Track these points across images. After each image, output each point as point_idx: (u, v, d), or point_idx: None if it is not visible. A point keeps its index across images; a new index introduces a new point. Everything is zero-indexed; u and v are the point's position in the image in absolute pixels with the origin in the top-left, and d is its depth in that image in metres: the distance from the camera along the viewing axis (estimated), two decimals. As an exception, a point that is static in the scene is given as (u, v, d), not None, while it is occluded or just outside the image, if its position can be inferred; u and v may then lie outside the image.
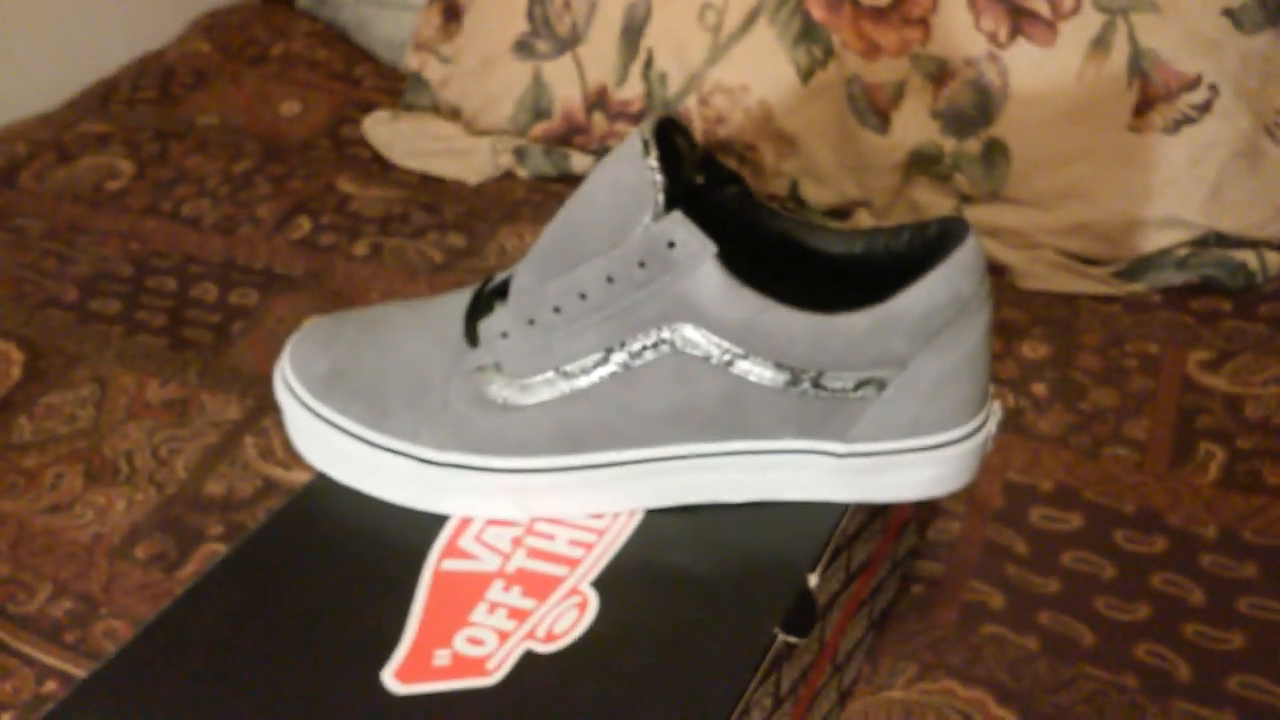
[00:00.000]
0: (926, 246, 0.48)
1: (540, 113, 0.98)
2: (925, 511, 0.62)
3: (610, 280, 0.45)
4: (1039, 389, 0.70)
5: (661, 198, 0.44)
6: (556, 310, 0.46)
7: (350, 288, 0.84)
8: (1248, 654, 0.55)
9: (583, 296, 0.46)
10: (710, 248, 0.44)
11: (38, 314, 0.82)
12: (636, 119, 0.93)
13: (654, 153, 0.44)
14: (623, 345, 0.46)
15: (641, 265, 0.45)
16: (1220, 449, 0.65)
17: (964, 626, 0.57)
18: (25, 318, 0.81)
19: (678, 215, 0.44)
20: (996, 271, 0.80)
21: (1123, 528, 0.61)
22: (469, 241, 0.89)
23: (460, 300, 0.51)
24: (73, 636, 0.58)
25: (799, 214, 0.89)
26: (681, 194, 0.48)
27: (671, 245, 0.44)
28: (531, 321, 0.47)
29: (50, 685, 0.56)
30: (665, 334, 0.45)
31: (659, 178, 0.44)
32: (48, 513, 0.66)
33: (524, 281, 0.47)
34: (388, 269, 0.86)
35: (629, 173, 0.45)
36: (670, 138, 0.47)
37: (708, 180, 0.49)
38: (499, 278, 0.51)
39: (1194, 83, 0.76)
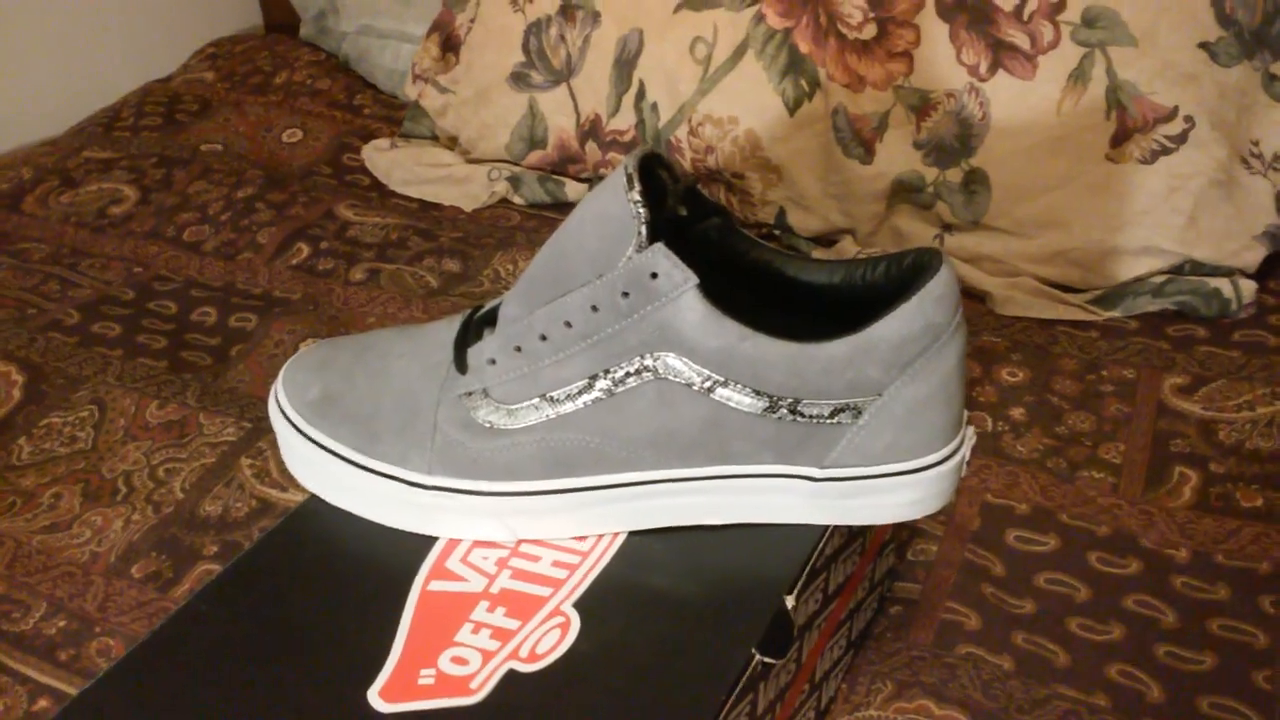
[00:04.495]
0: (902, 276, 0.50)
1: (535, 142, 1.00)
2: (904, 533, 0.63)
3: (595, 309, 0.47)
4: (1017, 413, 0.72)
5: (645, 230, 0.46)
6: (543, 338, 0.48)
7: (347, 312, 0.86)
8: (1219, 675, 0.56)
9: (568, 325, 0.47)
10: (691, 278, 0.46)
11: (39, 336, 0.83)
12: (628, 148, 0.95)
13: (637, 186, 0.46)
14: (607, 372, 0.47)
15: (625, 295, 0.46)
16: (1194, 473, 0.67)
17: (940, 646, 0.58)
18: (27, 340, 0.83)
19: (660, 247, 0.46)
20: (976, 298, 0.82)
21: (1097, 550, 0.63)
22: (464, 267, 0.90)
23: (450, 327, 0.52)
24: (66, 654, 0.60)
25: (780, 245, 0.91)
26: (665, 226, 0.50)
27: (654, 276, 0.46)
28: (518, 349, 0.48)
29: (42, 703, 0.57)
30: (648, 361, 0.47)
31: (642, 210, 0.46)
32: (45, 532, 0.67)
33: (511, 310, 0.49)
34: (384, 293, 0.87)
35: (613, 206, 0.46)
36: (655, 171, 0.49)
37: (691, 212, 0.51)
38: (488, 305, 0.52)
39: (1171, 114, 0.78)
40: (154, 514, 0.68)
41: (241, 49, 1.28)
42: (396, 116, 1.13)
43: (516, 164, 1.01)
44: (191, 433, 0.74)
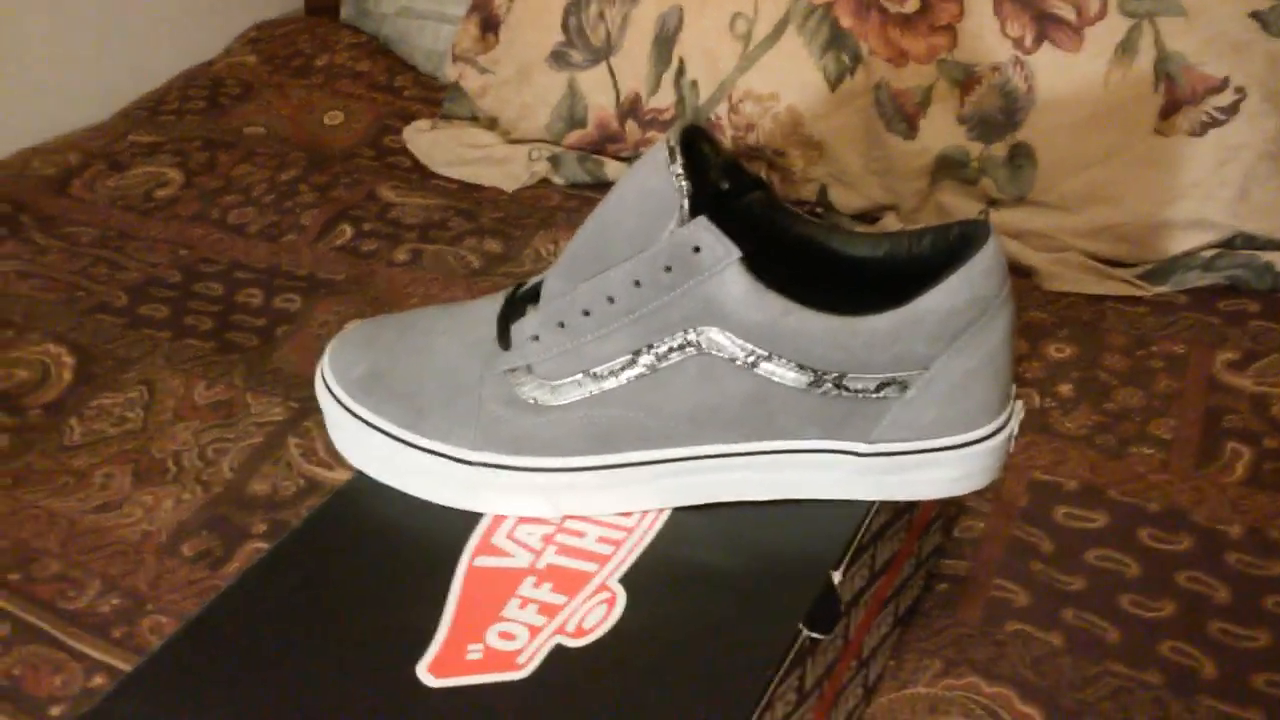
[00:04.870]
0: (948, 249, 0.49)
1: (575, 121, 1.00)
2: (951, 510, 0.63)
3: (637, 284, 0.47)
4: (1065, 389, 0.71)
5: (686, 204, 0.45)
6: (585, 313, 0.48)
7: (390, 292, 0.86)
8: (1274, 652, 0.55)
9: (611, 300, 0.47)
10: (734, 252, 0.45)
11: (88, 319, 0.85)
12: (668, 126, 0.95)
13: (679, 160, 0.45)
14: (650, 348, 0.47)
15: (668, 269, 0.46)
16: (1247, 448, 0.66)
17: (988, 623, 0.57)
18: (76, 322, 0.84)
19: (703, 221, 0.45)
20: (1023, 274, 0.81)
21: (1148, 526, 0.62)
22: (505, 247, 0.90)
23: (494, 304, 0.52)
24: (120, 632, 0.60)
25: (824, 219, 0.90)
26: (708, 200, 0.49)
27: (697, 250, 0.45)
28: (561, 324, 0.48)
29: (98, 680, 0.58)
30: (691, 336, 0.47)
31: (684, 184, 0.45)
32: (97, 511, 0.68)
33: (554, 286, 0.49)
34: (427, 274, 0.88)
35: (655, 180, 0.46)
36: (697, 145, 0.49)
37: (733, 186, 0.51)
38: (531, 282, 0.52)
39: (1221, 85, 0.77)
40: (203, 493, 0.69)
41: (283, 32, 1.28)
42: (437, 98, 1.13)
43: (557, 144, 1.01)
44: (239, 413, 0.75)
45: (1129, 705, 0.53)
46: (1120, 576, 0.59)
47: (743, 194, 0.51)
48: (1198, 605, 0.58)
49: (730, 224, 0.50)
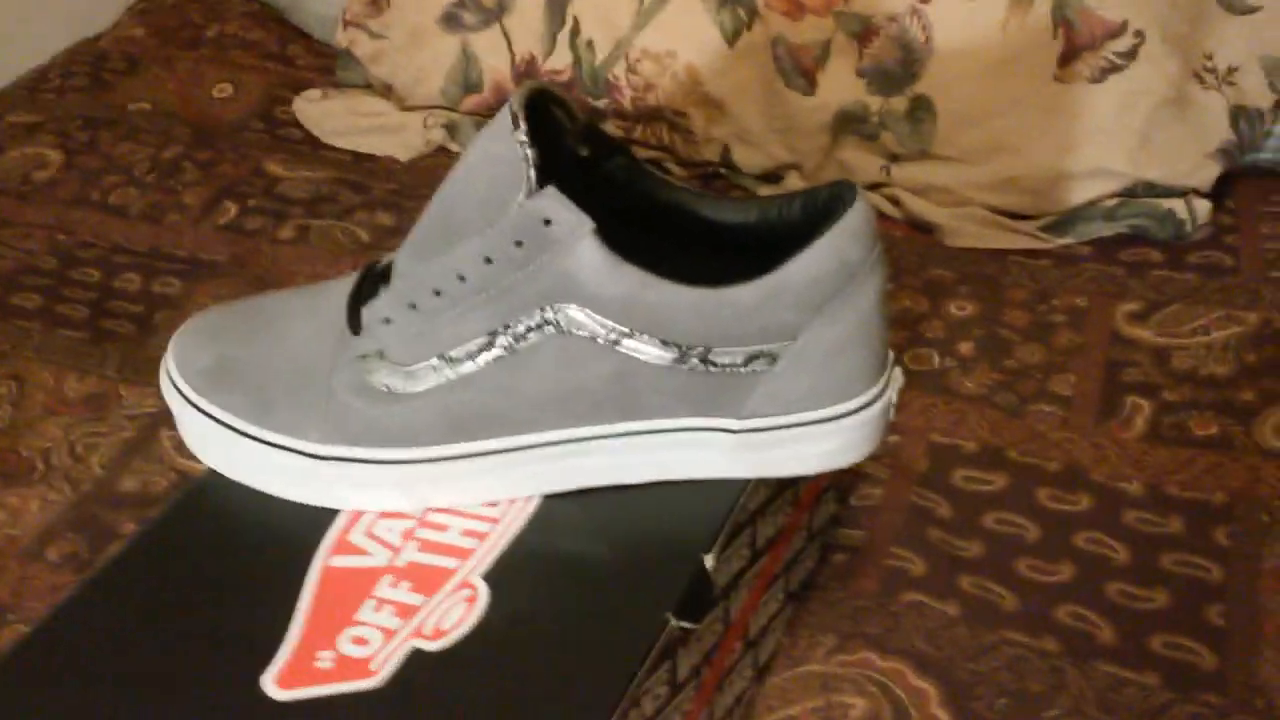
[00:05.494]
0: (818, 213, 0.47)
1: (470, 86, 0.96)
2: (847, 478, 0.61)
3: (488, 261, 0.44)
4: (965, 348, 0.69)
5: (533, 174, 0.43)
6: (437, 293, 0.45)
7: (276, 271, 0.83)
8: (1171, 613, 0.54)
9: (461, 278, 0.44)
10: (586, 223, 0.43)
11: (-44, 313, 0.80)
12: (566, 88, 0.92)
13: (523, 126, 0.43)
14: (506, 328, 0.45)
15: (519, 244, 0.43)
16: (1147, 402, 0.64)
17: (884, 595, 0.56)
18: (-57, 317, 0.80)
19: (551, 191, 0.43)
20: (925, 230, 0.79)
21: (1047, 486, 0.60)
22: (398, 220, 0.87)
23: (346, 286, 0.49)
24: (-23, 644, 0.57)
25: (726, 184, 0.88)
26: (565, 168, 0.47)
27: (548, 222, 0.43)
28: (413, 306, 0.46)
29: (-47, 695, 0.55)
30: (549, 315, 0.44)
31: (530, 152, 0.43)
32: (-41, 517, 0.65)
33: (405, 264, 0.46)
34: (314, 251, 0.84)
35: (501, 148, 0.43)
36: (549, 109, 0.46)
37: (593, 152, 0.48)
38: (385, 260, 0.49)
39: (1120, 29, 0.75)
40: (71, 492, 0.66)
41: (173, 3, 1.23)
42: (331, 66, 1.08)
43: (453, 110, 0.97)
44: (111, 405, 0.71)
45: (1025, 674, 0.52)
46: (1019, 540, 0.58)
47: (604, 160, 0.48)
48: (1096, 567, 0.56)
49: (592, 193, 0.48)
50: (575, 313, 0.44)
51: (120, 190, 0.93)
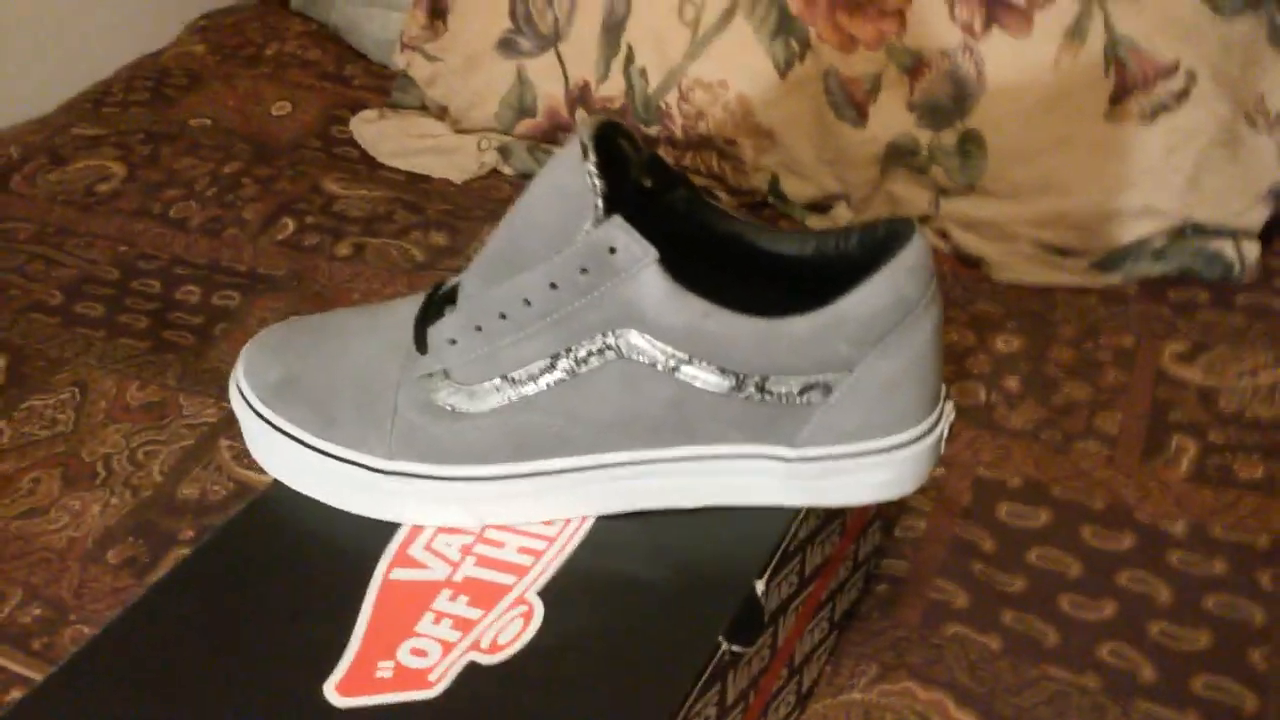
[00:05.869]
0: (876, 247, 0.48)
1: (524, 110, 0.98)
2: (892, 510, 0.62)
3: (554, 286, 0.45)
4: (1011, 383, 0.70)
5: (600, 203, 0.44)
6: (502, 316, 0.46)
7: (332, 288, 0.84)
8: (1213, 654, 0.54)
9: (527, 303, 0.46)
10: (651, 253, 0.44)
11: (21, 318, 0.83)
12: (619, 115, 0.93)
13: (593, 157, 0.44)
14: (568, 352, 0.46)
15: (584, 271, 0.45)
16: (1192, 443, 0.65)
17: (927, 626, 0.56)
18: (9, 322, 0.82)
19: (618, 220, 0.44)
20: (973, 264, 0.80)
21: (1091, 524, 0.61)
22: (451, 240, 0.89)
23: (412, 306, 0.51)
24: (40, 643, 0.59)
25: (774, 213, 0.89)
26: (628, 198, 0.48)
27: (613, 251, 0.44)
28: (479, 328, 0.47)
29: (15, 693, 0.56)
30: (610, 340, 0.45)
31: (598, 182, 0.44)
32: (23, 517, 0.66)
33: (471, 287, 0.47)
34: (369, 268, 0.86)
35: (569, 178, 0.45)
36: (615, 141, 0.47)
37: (656, 183, 0.49)
38: (450, 283, 0.51)
39: (1171, 70, 0.75)
40: (132, 498, 0.67)
41: (232, 21, 1.26)
42: (387, 87, 1.11)
43: (506, 133, 0.99)
44: (171, 414, 0.73)
45: (1065, 710, 0.52)
46: (1061, 576, 0.58)
47: (666, 191, 0.50)
48: (1138, 606, 0.57)
49: (653, 223, 0.49)
50: (636, 339, 0.45)
51: (181, 204, 0.96)
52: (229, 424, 0.72)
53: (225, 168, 0.99)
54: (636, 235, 0.44)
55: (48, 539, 0.65)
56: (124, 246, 0.91)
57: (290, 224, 0.92)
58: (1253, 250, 0.76)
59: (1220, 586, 0.57)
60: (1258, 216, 0.77)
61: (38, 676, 0.57)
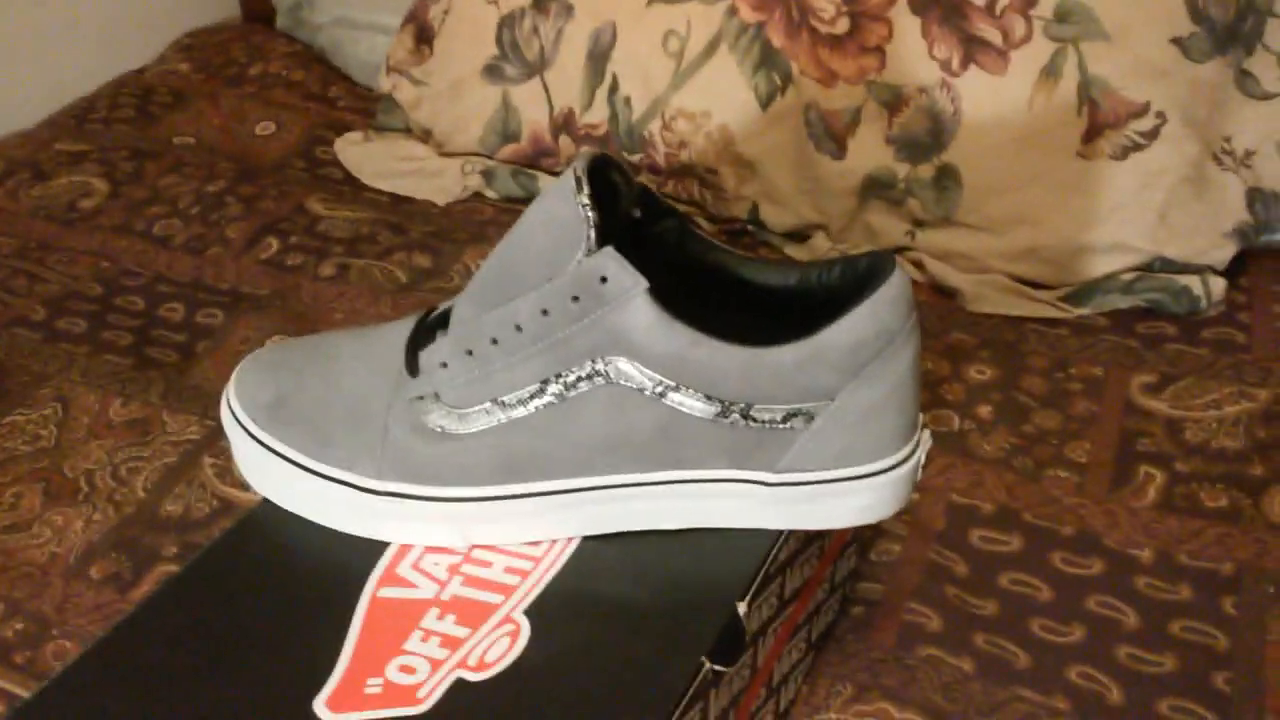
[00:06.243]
0: (857, 279, 0.49)
1: (509, 135, 0.99)
2: (867, 533, 0.63)
3: (545, 313, 0.46)
4: (984, 411, 0.71)
5: (593, 234, 0.45)
6: (494, 341, 0.47)
7: (315, 308, 0.85)
8: (1179, 677, 0.56)
9: (519, 329, 0.47)
10: (641, 283, 0.45)
11: (4, 333, 0.83)
12: (602, 142, 0.95)
13: (586, 189, 0.45)
14: (558, 377, 0.47)
15: (575, 299, 0.46)
16: (1160, 472, 0.67)
17: (901, 648, 0.58)
18: (-8, 338, 0.82)
19: (609, 250, 0.45)
20: (947, 295, 0.81)
21: (1061, 550, 0.62)
22: (435, 262, 0.90)
23: (403, 329, 0.52)
24: (22, 657, 0.59)
25: (752, 241, 0.91)
26: (619, 229, 0.49)
27: (604, 280, 0.45)
28: (470, 352, 0.48)
29: None
30: (599, 366, 0.47)
31: (591, 214, 0.45)
32: (5, 532, 0.67)
33: (463, 312, 0.48)
34: (353, 289, 0.87)
35: (562, 209, 0.46)
36: (607, 174, 0.48)
37: (646, 214, 0.51)
38: (441, 307, 0.52)
39: (1143, 110, 0.78)
40: (115, 514, 0.68)
41: (217, 40, 1.27)
42: (371, 109, 1.12)
43: (490, 157, 1.01)
44: (154, 431, 0.73)
45: (1036, 731, 0.54)
46: (1032, 601, 0.60)
47: (656, 222, 0.51)
48: (1107, 630, 0.58)
49: (643, 253, 0.50)
50: (625, 365, 0.46)
51: (164, 221, 0.96)
52: (212, 441, 0.72)
53: (209, 186, 1.00)
54: (627, 265, 0.45)
55: (30, 554, 0.65)
56: (106, 263, 0.91)
57: (274, 243, 0.92)
58: (1218, 285, 0.78)
59: (1186, 612, 0.59)
60: (1224, 253, 0.79)
61: (20, 690, 0.57)
